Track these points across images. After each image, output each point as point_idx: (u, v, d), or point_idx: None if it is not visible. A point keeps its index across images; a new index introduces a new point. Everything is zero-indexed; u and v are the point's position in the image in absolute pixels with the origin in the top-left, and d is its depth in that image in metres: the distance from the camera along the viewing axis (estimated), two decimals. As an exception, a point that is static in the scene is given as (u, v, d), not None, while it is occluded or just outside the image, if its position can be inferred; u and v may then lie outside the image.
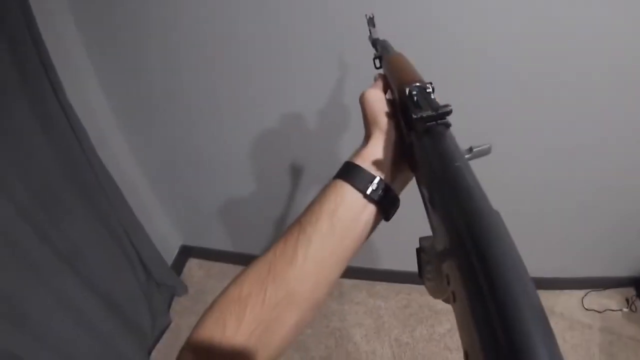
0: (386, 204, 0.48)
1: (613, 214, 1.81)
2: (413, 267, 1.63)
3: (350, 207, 0.46)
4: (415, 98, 0.45)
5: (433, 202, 0.34)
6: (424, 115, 0.40)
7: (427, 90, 0.45)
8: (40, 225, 1.46)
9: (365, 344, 2.08)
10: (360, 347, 2.07)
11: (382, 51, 0.72)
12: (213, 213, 2.25)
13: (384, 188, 0.47)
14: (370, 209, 0.47)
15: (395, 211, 0.50)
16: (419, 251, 0.47)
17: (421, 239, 0.46)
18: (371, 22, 0.86)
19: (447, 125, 0.40)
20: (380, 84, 0.57)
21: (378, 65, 0.74)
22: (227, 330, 0.43)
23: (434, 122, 0.40)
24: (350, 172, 0.48)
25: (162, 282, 2.14)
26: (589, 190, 1.72)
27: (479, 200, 0.29)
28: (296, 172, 1.88)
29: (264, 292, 0.44)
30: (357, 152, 0.50)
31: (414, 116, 0.41)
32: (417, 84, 0.46)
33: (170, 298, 2.27)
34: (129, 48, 1.59)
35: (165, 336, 2.14)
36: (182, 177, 2.10)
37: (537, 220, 1.84)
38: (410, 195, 1.71)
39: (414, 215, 2.04)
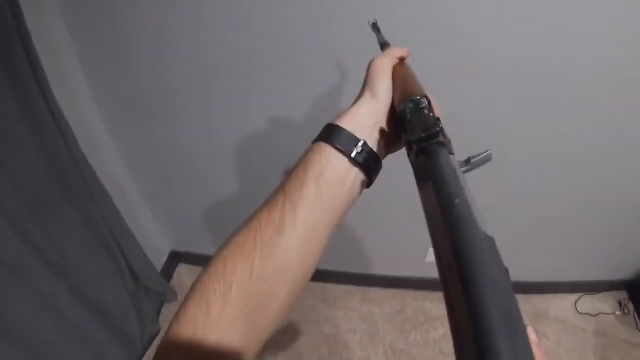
0: (370, 168, 0.47)
1: (606, 218, 1.83)
2: (407, 272, 1.65)
3: (336, 171, 0.45)
4: (408, 116, 0.43)
5: (428, 225, 0.33)
6: (414, 138, 0.39)
7: (422, 106, 0.44)
8: (26, 230, 1.41)
9: (360, 350, 2.05)
10: (355, 354, 2.04)
11: None
12: (203, 218, 2.20)
13: (368, 151, 0.46)
14: (355, 173, 0.46)
15: (377, 175, 0.49)
16: None
17: None
18: (375, 27, 0.84)
19: (441, 144, 0.39)
20: (391, 53, 0.55)
21: None
22: (212, 310, 0.39)
23: (425, 143, 0.39)
24: (333, 135, 0.46)
25: (151, 288, 2.08)
26: (582, 193, 1.72)
27: (466, 230, 0.28)
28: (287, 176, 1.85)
29: (251, 266, 0.40)
30: (341, 113, 0.49)
31: (405, 140, 0.40)
32: (412, 99, 0.44)
33: (159, 305, 2.21)
34: (119, 49, 1.54)
35: (154, 344, 2.08)
36: (172, 181, 2.05)
37: (530, 223, 1.84)
38: (402, 202, 1.69)
39: (406, 221, 2.04)
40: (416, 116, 0.42)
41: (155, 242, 2.24)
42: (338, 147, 0.45)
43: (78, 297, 1.62)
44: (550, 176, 1.66)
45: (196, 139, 1.80)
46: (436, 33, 1.28)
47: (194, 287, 0.42)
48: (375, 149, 0.47)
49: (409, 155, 0.43)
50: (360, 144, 0.46)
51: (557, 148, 1.56)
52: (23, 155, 1.43)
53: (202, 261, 2.34)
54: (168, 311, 2.22)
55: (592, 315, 2.04)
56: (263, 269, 0.41)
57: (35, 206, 1.46)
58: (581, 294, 2.12)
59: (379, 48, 0.76)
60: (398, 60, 0.55)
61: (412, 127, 0.41)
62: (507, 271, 0.25)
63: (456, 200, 0.30)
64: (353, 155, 0.45)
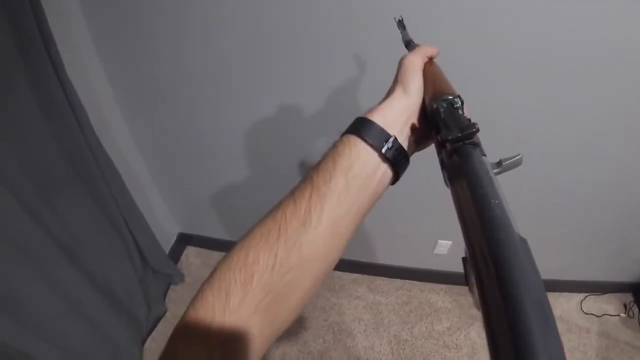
0: (399, 165, 0.47)
1: (614, 220, 1.83)
2: (414, 263, 1.67)
3: (365, 165, 0.44)
4: (442, 115, 0.42)
5: (461, 223, 0.34)
6: (450, 137, 0.39)
7: (455, 106, 0.44)
8: (37, 209, 1.40)
9: (364, 339, 2.07)
10: (359, 342, 2.06)
11: None
12: (212, 202, 2.19)
13: (398, 148, 0.46)
14: (384, 168, 0.46)
15: (404, 172, 0.49)
16: (464, 260, 0.47)
17: None
18: (401, 24, 0.82)
19: (475, 145, 0.39)
20: (421, 51, 0.54)
21: None
22: (231, 300, 0.38)
23: (460, 143, 0.39)
24: (365, 129, 0.46)
25: (158, 269, 2.08)
26: (590, 194, 1.72)
27: (502, 232, 0.28)
28: (296, 163, 1.84)
29: (274, 257, 0.40)
30: (372, 108, 0.48)
31: (440, 138, 0.40)
32: (446, 98, 0.44)
33: (166, 286, 2.21)
34: (134, 31, 1.51)
35: (159, 325, 2.09)
36: (182, 164, 2.03)
37: (537, 221, 1.83)
38: (413, 193, 1.69)
39: (417, 212, 2.03)
40: (450, 115, 0.42)
41: (164, 224, 2.23)
42: (369, 141, 0.45)
43: (86, 276, 1.63)
44: (558, 175, 1.65)
45: (209, 125, 1.79)
46: (454, 33, 1.26)
47: (213, 274, 0.41)
48: (405, 145, 0.47)
49: (439, 153, 0.43)
50: (391, 139, 0.45)
51: (565, 146, 1.55)
52: (36, 137, 1.41)
53: (210, 244, 2.37)
54: (174, 293, 2.23)
55: (597, 316, 2.06)
56: (286, 261, 0.40)
57: (47, 187, 1.45)
58: (587, 294, 2.13)
59: (399, 43, 0.76)
60: (428, 59, 0.55)
61: (447, 126, 0.40)
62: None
63: (492, 202, 0.31)
64: (383, 150, 0.45)
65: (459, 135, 0.38)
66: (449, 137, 0.38)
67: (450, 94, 0.45)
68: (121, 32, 1.52)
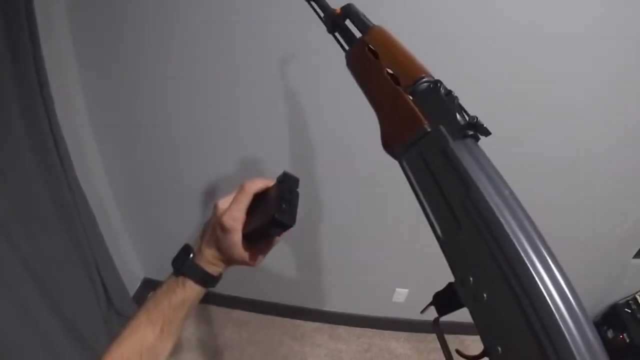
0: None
1: (569, 249, 1.95)
2: (373, 311, 1.80)
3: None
4: (455, 101, 0.42)
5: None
6: (478, 122, 0.39)
7: (454, 95, 0.43)
8: (16, 240, 1.44)
9: (326, 386, 2.08)
10: (321, 390, 2.07)
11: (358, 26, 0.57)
12: (178, 249, 2.23)
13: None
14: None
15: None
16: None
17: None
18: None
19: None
20: (243, 200, 0.61)
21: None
22: None
23: (472, 132, 0.40)
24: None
25: (122, 312, 2.07)
26: (546, 224, 1.86)
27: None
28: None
29: None
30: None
31: (470, 121, 0.39)
32: (445, 87, 0.43)
33: (128, 331, 2.17)
34: (119, 75, 1.65)
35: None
36: (153, 210, 2.11)
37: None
38: (371, 245, 1.76)
39: (374, 261, 2.08)
40: (452, 102, 0.42)
41: (131, 267, 2.25)
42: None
43: (55, 313, 1.62)
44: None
45: (177, 172, 1.91)
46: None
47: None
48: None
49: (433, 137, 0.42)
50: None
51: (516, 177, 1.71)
52: (21, 170, 1.49)
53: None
54: (136, 338, 2.19)
55: None
56: None
57: (28, 219, 1.51)
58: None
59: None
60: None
61: (466, 113, 0.41)
62: None
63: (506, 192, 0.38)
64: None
65: (484, 126, 0.40)
66: (478, 122, 0.39)
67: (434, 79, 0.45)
68: (106, 72, 1.65)
